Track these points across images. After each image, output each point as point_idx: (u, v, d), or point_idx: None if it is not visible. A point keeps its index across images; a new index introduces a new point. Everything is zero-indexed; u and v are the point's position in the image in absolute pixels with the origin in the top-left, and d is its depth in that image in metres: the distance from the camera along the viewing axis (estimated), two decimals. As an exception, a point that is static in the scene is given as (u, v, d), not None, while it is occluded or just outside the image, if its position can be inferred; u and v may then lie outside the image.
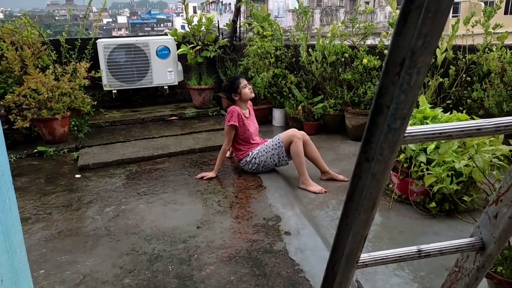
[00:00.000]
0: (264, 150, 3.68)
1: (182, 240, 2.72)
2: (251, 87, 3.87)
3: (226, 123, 3.69)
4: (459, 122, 0.72)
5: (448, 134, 0.72)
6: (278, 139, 3.66)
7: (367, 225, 0.80)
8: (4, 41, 4.57)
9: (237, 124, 3.66)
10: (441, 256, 1.13)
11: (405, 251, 0.97)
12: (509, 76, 3.77)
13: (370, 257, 0.94)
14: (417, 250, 0.97)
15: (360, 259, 0.92)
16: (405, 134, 0.67)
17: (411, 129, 0.69)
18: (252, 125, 3.84)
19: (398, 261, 0.97)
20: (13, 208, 1.26)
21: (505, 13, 24.56)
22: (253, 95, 3.86)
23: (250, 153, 3.72)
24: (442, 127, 0.70)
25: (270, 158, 3.67)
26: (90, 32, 5.73)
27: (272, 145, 3.66)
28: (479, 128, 0.74)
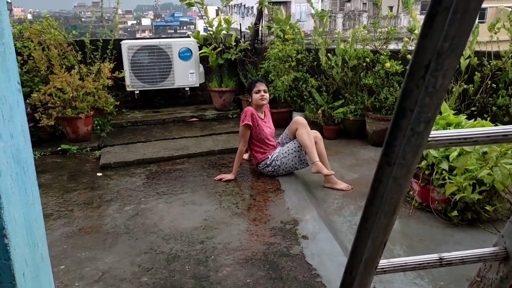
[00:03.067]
0: (285, 152, 3.68)
1: (200, 241, 2.74)
2: (267, 95, 3.83)
3: (241, 124, 3.73)
4: (485, 127, 0.71)
5: (473, 139, 0.70)
6: (295, 143, 3.68)
7: (387, 231, 0.79)
8: (32, 41, 4.69)
9: (250, 124, 3.68)
10: (462, 266, 1.11)
11: (425, 258, 0.95)
12: (536, 83, 3.66)
13: (389, 263, 0.92)
14: (438, 258, 0.95)
15: (379, 265, 0.90)
16: (429, 138, 0.66)
17: (435, 133, 0.68)
18: (268, 126, 3.85)
19: (418, 269, 0.96)
20: (36, 204, 1.28)
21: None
22: (264, 103, 3.82)
23: (270, 156, 3.72)
24: (468, 132, 0.68)
25: (292, 160, 3.67)
26: (115, 34, 5.83)
27: (293, 147, 3.66)
28: (506, 134, 0.72)
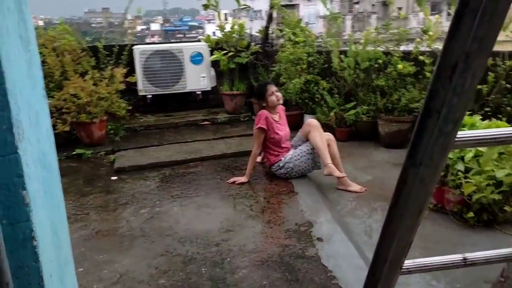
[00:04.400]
0: (298, 155, 3.69)
1: (215, 243, 2.75)
2: (279, 94, 3.86)
3: (255, 127, 3.74)
4: (510, 128, 0.71)
5: (501, 139, 0.70)
6: (307, 145, 3.68)
7: (412, 231, 0.80)
8: (46, 47, 4.76)
9: (265, 127, 3.69)
10: (479, 268, 1.11)
11: (450, 258, 0.95)
12: (552, 83, 3.63)
13: (414, 264, 0.93)
14: (462, 258, 0.95)
15: (404, 265, 0.91)
16: (456, 139, 0.67)
17: (462, 133, 0.68)
18: (283, 129, 3.85)
19: (442, 269, 0.96)
20: (61, 207, 1.31)
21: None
22: (280, 102, 3.86)
23: (283, 158, 3.73)
24: (495, 132, 0.69)
25: (305, 162, 3.67)
26: (125, 39, 5.90)
27: (306, 149, 3.66)
28: (533, 134, 0.72)
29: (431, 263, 0.94)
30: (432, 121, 0.65)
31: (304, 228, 2.91)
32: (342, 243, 2.70)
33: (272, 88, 3.82)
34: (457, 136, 0.67)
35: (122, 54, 5.28)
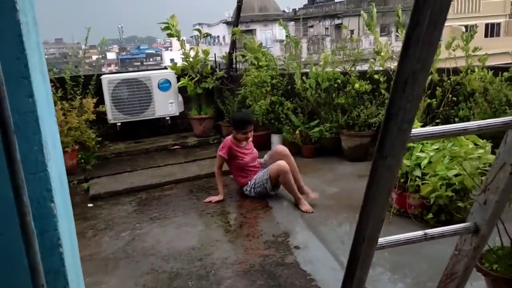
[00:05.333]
0: (260, 181, 3.87)
1: (198, 258, 2.89)
2: (251, 136, 4.04)
3: (218, 151, 4.00)
4: (451, 125, 0.95)
5: (442, 133, 0.95)
6: (266, 174, 3.83)
7: (384, 209, 1.02)
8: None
9: (225, 157, 3.93)
10: (441, 263, 1.34)
11: (413, 235, 1.18)
12: (491, 94, 4.06)
13: (386, 241, 1.15)
14: (423, 234, 1.18)
15: (379, 243, 1.13)
16: (411, 134, 0.90)
17: (415, 131, 0.92)
18: (249, 153, 4.03)
19: (409, 243, 1.18)
20: (72, 220, 1.45)
21: (486, 36, 25.55)
22: (246, 142, 4.03)
23: (249, 183, 3.94)
24: (439, 129, 0.93)
25: (262, 189, 3.87)
26: (80, 69, 5.98)
27: (262, 179, 3.85)
28: (466, 129, 0.97)
29: (399, 239, 1.17)
30: (392, 123, 0.87)
31: (281, 238, 3.10)
32: (318, 249, 2.91)
33: (250, 128, 3.98)
34: (412, 132, 0.90)
35: (89, 84, 5.36)
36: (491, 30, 27.31)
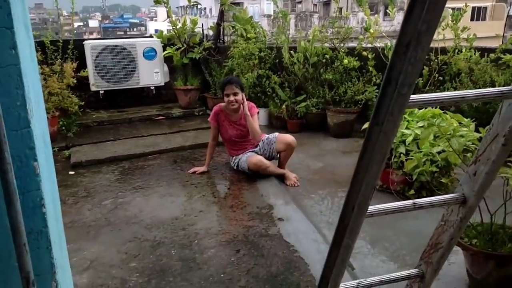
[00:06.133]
0: (244, 161, 3.77)
1: (182, 228, 2.88)
2: (235, 97, 3.66)
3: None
4: (450, 92, 0.94)
5: (440, 101, 0.93)
6: (273, 141, 3.78)
7: (377, 177, 1.01)
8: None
9: (214, 123, 3.82)
10: (421, 238, 1.34)
11: (402, 204, 1.18)
12: (476, 75, 4.09)
13: (375, 209, 1.15)
14: (412, 203, 1.18)
15: (368, 211, 1.12)
16: (409, 100, 0.88)
17: (414, 96, 0.90)
18: (236, 128, 3.81)
19: (398, 212, 1.18)
20: (55, 184, 1.41)
21: (472, 19, 25.66)
22: (232, 107, 3.71)
23: (236, 156, 3.86)
24: (437, 96, 0.91)
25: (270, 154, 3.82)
26: (60, 36, 5.79)
27: (270, 146, 3.79)
28: (463, 97, 0.96)
29: (389, 208, 1.16)
30: (391, 87, 0.85)
31: (265, 210, 3.12)
32: (301, 222, 2.93)
33: (229, 89, 3.67)
34: (410, 99, 0.88)
35: (68, 49, 5.18)
36: (477, 14, 27.46)
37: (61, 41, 5.17)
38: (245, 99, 3.75)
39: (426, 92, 4.53)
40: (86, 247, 2.68)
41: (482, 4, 27.51)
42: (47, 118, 4.52)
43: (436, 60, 4.42)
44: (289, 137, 3.76)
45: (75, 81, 4.89)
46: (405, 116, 3.36)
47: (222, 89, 3.79)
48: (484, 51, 4.27)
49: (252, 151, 3.81)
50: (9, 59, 1.01)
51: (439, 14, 0.76)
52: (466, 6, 4.45)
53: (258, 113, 3.94)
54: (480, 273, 2.19)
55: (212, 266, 2.43)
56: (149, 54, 5.57)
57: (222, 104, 3.87)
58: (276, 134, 3.82)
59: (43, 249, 1.16)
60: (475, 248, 2.15)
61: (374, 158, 0.97)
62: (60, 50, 5.12)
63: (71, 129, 5.05)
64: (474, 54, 4.16)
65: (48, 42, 5.13)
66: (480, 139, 2.62)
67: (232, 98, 3.67)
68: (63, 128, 5.05)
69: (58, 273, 1.20)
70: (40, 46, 5.07)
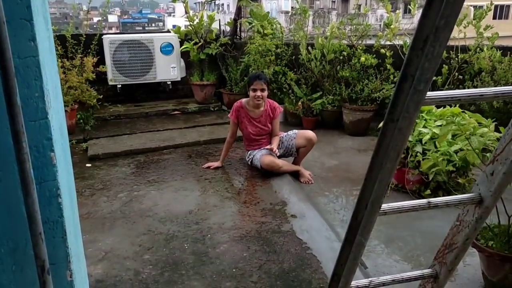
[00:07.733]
0: (258, 158, 3.74)
1: (195, 222, 2.90)
2: (262, 93, 3.66)
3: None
4: (467, 89, 0.92)
5: (458, 98, 0.92)
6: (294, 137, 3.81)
7: (391, 174, 1.00)
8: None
9: (234, 119, 3.81)
10: (436, 238, 1.32)
11: (417, 202, 1.16)
12: (498, 74, 4.01)
13: (389, 207, 1.13)
14: (427, 202, 1.17)
15: (381, 208, 1.11)
16: (426, 97, 0.87)
17: (431, 93, 0.88)
18: (255, 125, 3.80)
19: (412, 211, 1.17)
20: (71, 174, 1.43)
21: (494, 18, 25.13)
22: (258, 102, 3.71)
23: (252, 151, 3.85)
24: (455, 93, 0.90)
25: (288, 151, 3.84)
26: (80, 31, 5.85)
27: (289, 142, 3.81)
28: (482, 94, 0.94)
29: (403, 206, 1.15)
30: (407, 83, 0.84)
31: (278, 207, 3.12)
32: (314, 219, 2.92)
33: (258, 85, 3.66)
34: (427, 95, 0.87)
35: (91, 44, 5.27)
36: (500, 12, 26.87)
37: (84, 36, 5.23)
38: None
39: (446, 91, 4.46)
40: (101, 239, 2.72)
41: (506, 3, 26.90)
42: (66, 111, 4.61)
43: (456, 58, 4.35)
44: (310, 133, 3.81)
45: (94, 76, 4.96)
46: (423, 114, 3.31)
47: (249, 83, 3.76)
48: (506, 50, 4.18)
49: (267, 149, 3.73)
50: (28, 50, 1.02)
51: (458, 9, 0.75)
52: (491, 4, 4.36)
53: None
54: (496, 276, 2.15)
55: (224, 260, 2.44)
56: (166, 49, 5.60)
57: (243, 100, 3.87)
58: (296, 131, 3.86)
59: (58, 239, 1.18)
60: (491, 250, 2.12)
61: (389, 155, 0.96)
62: (81, 45, 5.19)
63: (89, 122, 5.13)
64: (496, 52, 4.08)
65: (69, 36, 5.20)
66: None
67: (259, 93, 3.67)
68: (81, 121, 5.12)
69: (73, 262, 1.22)
70: (60, 40, 5.15)
